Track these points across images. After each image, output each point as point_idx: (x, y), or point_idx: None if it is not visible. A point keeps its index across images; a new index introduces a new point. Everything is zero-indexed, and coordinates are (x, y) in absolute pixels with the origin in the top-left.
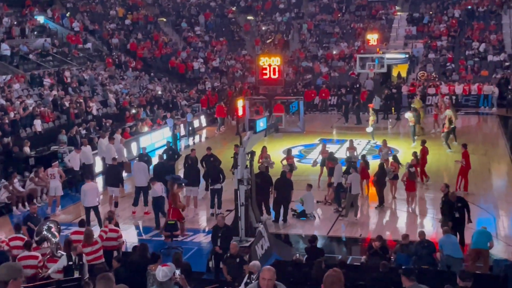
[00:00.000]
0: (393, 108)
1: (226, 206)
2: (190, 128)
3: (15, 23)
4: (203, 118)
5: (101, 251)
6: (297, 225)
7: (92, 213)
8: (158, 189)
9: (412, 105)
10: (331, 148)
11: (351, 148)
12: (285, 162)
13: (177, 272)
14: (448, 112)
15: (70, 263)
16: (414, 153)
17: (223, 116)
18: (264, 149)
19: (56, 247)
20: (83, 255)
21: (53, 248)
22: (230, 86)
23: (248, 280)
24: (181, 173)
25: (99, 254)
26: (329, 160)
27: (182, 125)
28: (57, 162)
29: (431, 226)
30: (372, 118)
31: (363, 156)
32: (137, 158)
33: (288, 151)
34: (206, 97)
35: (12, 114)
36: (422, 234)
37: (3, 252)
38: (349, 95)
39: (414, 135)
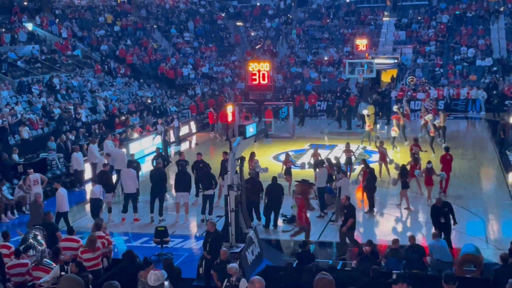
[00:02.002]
0: (380, 113)
1: (217, 212)
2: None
3: (3, 30)
4: (193, 124)
5: (100, 258)
6: (287, 231)
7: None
8: (97, 191)
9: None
10: (322, 153)
11: (348, 151)
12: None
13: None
14: (429, 117)
15: (63, 273)
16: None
17: (213, 122)
18: (252, 154)
19: (42, 255)
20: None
21: (39, 256)
22: (219, 92)
23: (228, 283)
24: (172, 180)
25: (99, 261)
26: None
27: (171, 132)
28: (31, 169)
29: (421, 230)
30: (368, 123)
31: (364, 161)
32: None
33: (286, 155)
34: (195, 103)
35: (0, 122)
36: (412, 238)
37: None
38: (339, 100)
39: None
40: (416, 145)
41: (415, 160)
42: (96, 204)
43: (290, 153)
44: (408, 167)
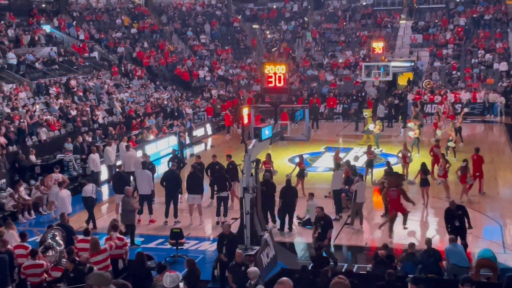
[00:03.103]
0: (399, 116)
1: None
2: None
3: (22, 32)
4: (208, 126)
5: (109, 260)
6: (302, 234)
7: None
8: (88, 189)
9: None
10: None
11: (370, 153)
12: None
13: (181, 285)
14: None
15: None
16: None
17: (230, 124)
18: (268, 156)
19: (61, 256)
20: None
21: (57, 257)
22: (235, 94)
23: (248, 286)
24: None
25: (108, 263)
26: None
27: (187, 134)
28: (59, 168)
29: (437, 234)
30: (378, 126)
31: (388, 163)
32: (141, 166)
33: (300, 157)
34: (211, 105)
35: (17, 123)
36: (428, 242)
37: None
38: (354, 103)
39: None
40: (437, 147)
41: (446, 161)
42: (89, 203)
43: (306, 156)
44: (440, 168)
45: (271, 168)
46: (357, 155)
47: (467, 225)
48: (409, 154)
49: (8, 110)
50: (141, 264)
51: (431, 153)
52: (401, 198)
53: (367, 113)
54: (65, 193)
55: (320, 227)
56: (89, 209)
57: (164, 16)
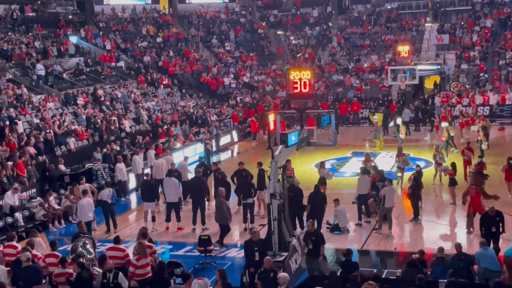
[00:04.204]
0: (426, 120)
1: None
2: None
3: (50, 43)
4: (234, 133)
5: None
6: (331, 239)
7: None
8: (105, 193)
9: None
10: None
11: (400, 155)
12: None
13: None
14: (444, 124)
15: (105, 280)
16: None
17: (256, 131)
18: (288, 162)
19: (91, 264)
20: (119, 272)
21: (89, 265)
22: (260, 100)
23: None
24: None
25: (149, 269)
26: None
27: (213, 141)
28: (83, 178)
29: (467, 238)
30: (403, 130)
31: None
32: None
33: (321, 164)
34: (237, 112)
35: (44, 133)
36: (458, 246)
37: (35, 268)
38: (381, 107)
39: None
40: (469, 149)
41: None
42: (105, 207)
43: (333, 161)
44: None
45: (292, 174)
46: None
47: (501, 229)
48: (441, 156)
49: (37, 120)
50: (161, 273)
51: (463, 155)
52: (480, 197)
53: (377, 117)
54: (85, 201)
55: (312, 243)
56: (105, 213)
57: (189, 24)
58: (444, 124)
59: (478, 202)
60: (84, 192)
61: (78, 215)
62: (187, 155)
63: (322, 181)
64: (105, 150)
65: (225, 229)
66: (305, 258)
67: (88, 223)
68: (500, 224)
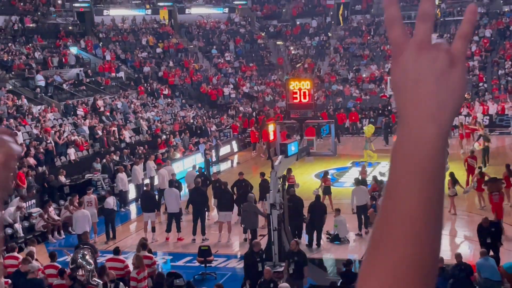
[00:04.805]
0: None
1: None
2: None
3: (50, 54)
4: (234, 143)
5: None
6: (331, 249)
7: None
8: (110, 202)
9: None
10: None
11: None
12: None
13: None
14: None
15: None
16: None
17: (255, 141)
18: (289, 171)
19: (91, 275)
20: (120, 283)
21: (88, 276)
22: (260, 111)
23: None
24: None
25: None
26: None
27: (213, 151)
28: (91, 189)
29: (467, 248)
30: None
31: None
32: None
33: (325, 173)
34: (237, 122)
35: (45, 144)
36: (458, 256)
37: (40, 280)
38: (381, 117)
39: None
40: (473, 157)
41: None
42: (112, 215)
43: (332, 171)
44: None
45: (294, 182)
46: (380, 172)
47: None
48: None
49: (36, 131)
50: (159, 285)
51: (466, 163)
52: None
53: (368, 129)
54: (80, 213)
55: (294, 263)
56: (112, 221)
57: (189, 35)
58: None
59: (501, 208)
60: (81, 204)
61: (73, 227)
62: (188, 165)
63: (327, 190)
64: (104, 160)
65: (254, 234)
66: (287, 280)
67: (84, 234)
68: (499, 234)
